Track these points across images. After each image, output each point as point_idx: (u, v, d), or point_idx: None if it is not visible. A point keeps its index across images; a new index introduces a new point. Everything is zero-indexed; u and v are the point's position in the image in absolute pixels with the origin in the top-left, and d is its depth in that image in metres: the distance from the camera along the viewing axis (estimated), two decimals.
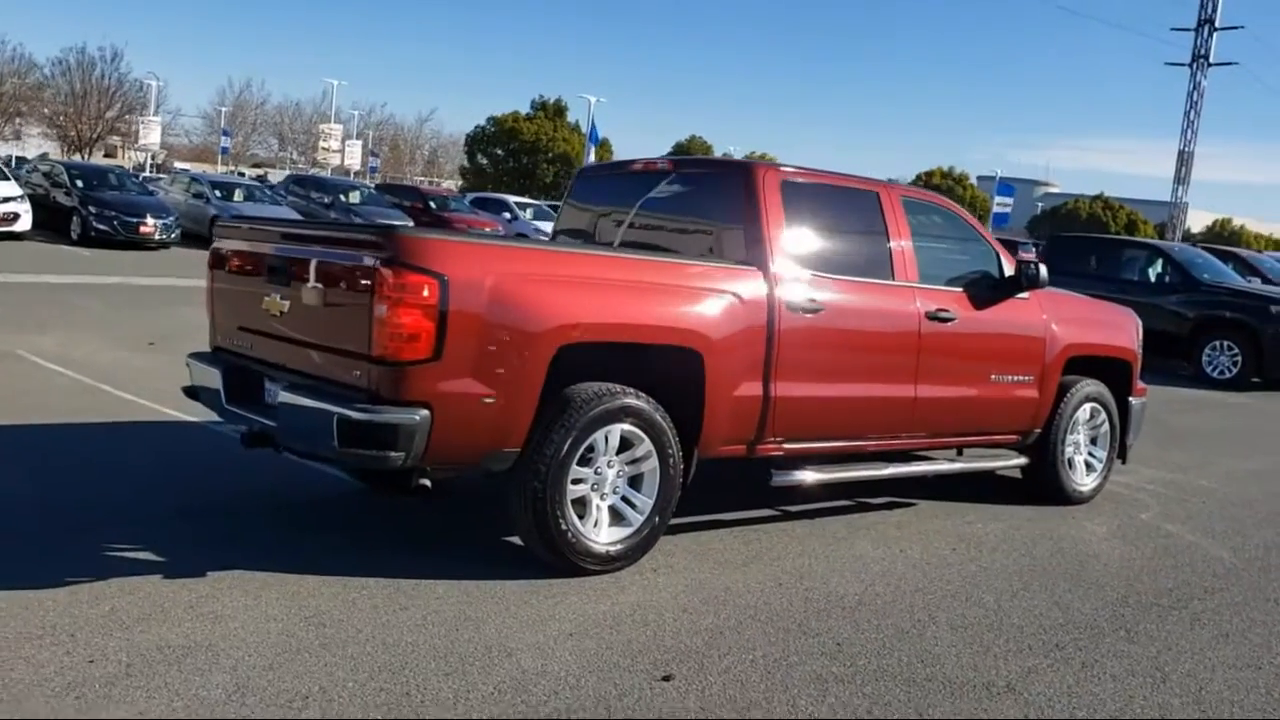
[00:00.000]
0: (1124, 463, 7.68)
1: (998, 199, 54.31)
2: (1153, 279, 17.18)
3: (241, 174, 52.11)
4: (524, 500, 4.75)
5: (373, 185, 33.60)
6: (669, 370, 5.15)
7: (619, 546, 5.00)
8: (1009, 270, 6.68)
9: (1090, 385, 7.20)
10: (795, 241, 5.60)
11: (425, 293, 4.34)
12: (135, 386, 8.59)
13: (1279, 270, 20.57)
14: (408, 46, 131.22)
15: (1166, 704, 4.10)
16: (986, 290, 6.53)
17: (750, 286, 5.36)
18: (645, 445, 5.02)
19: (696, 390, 5.19)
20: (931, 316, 6.14)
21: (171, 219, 22.53)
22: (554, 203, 36.71)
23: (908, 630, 4.64)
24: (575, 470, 4.83)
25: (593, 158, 42.93)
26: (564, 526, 4.80)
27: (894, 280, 6.07)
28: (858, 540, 5.97)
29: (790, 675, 4.07)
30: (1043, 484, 7.12)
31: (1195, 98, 66.45)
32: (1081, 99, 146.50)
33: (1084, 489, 7.29)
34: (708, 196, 5.98)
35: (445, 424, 4.43)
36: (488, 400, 4.54)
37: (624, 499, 5.06)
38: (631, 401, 4.92)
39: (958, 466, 6.79)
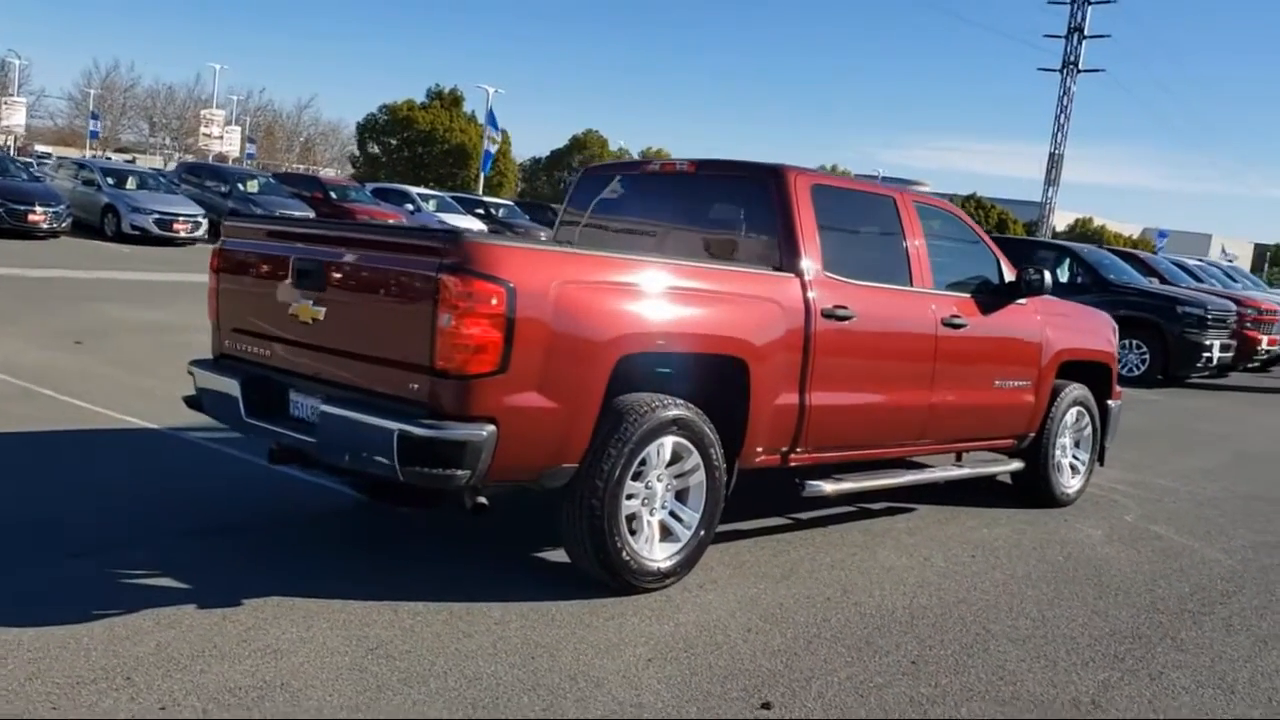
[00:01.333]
0: (1102, 465, 7.81)
1: None
2: (1064, 280, 17.68)
3: (118, 159, 49.75)
4: (580, 518, 4.54)
5: (269, 174, 32.42)
6: (715, 380, 5.01)
7: (669, 563, 4.83)
8: (1009, 275, 6.72)
9: (1077, 389, 7.30)
10: (826, 247, 5.50)
11: (494, 302, 4.10)
12: (77, 389, 8.06)
13: (1174, 271, 21.41)
14: (288, 30, 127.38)
15: (1247, 716, 4.13)
16: (991, 296, 6.55)
17: (789, 293, 5.25)
18: (694, 458, 4.86)
19: (740, 400, 5.05)
20: (946, 323, 6.13)
21: (63, 207, 21.33)
22: (459, 194, 36.14)
23: (971, 645, 4.58)
24: (629, 485, 4.64)
25: (491, 149, 42.44)
26: (620, 544, 4.61)
27: (912, 286, 6.04)
28: (879, 549, 5.91)
29: (884, 698, 3.97)
30: (1034, 487, 7.19)
31: (1065, 102, 69.17)
32: (953, 101, 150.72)
33: (1070, 491, 7.40)
34: (735, 200, 5.84)
35: (510, 440, 4.20)
36: (551, 414, 4.32)
37: (671, 513, 4.89)
38: (682, 413, 4.76)
39: (965, 472, 6.80)
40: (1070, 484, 7.41)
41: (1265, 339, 19.38)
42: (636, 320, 4.58)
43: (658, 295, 4.73)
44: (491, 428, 4.14)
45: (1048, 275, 6.62)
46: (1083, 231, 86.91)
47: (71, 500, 5.48)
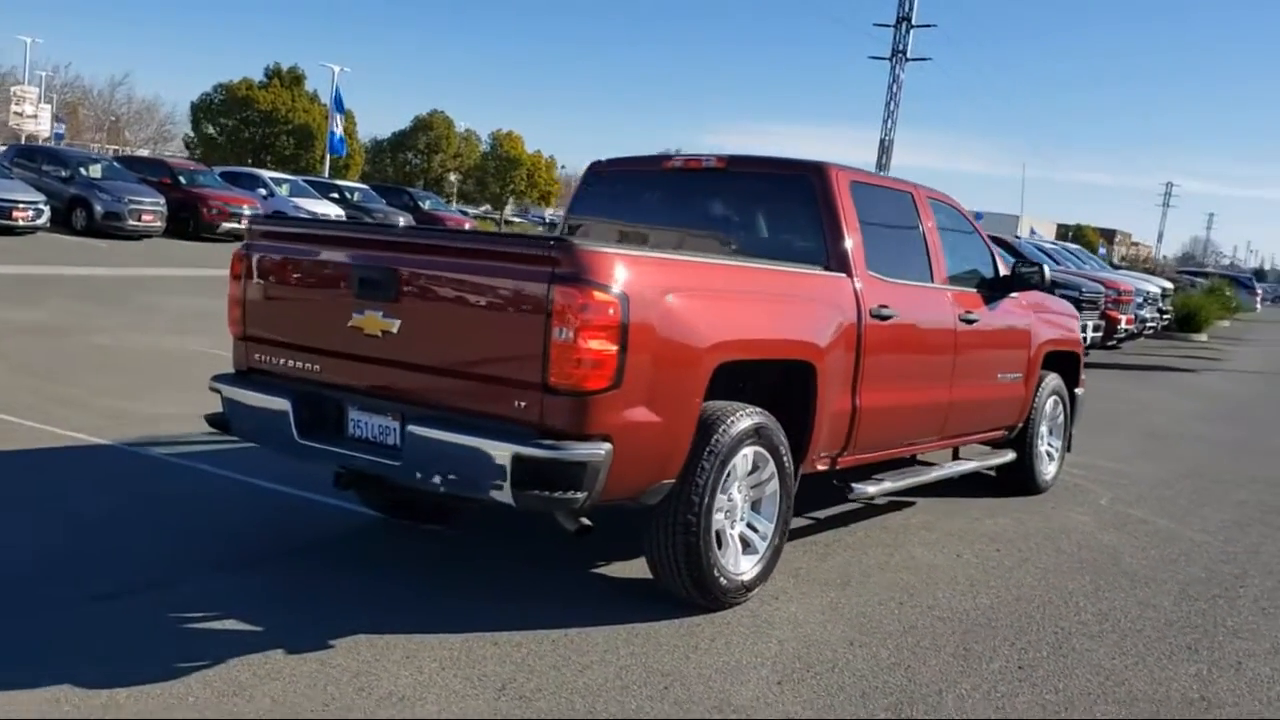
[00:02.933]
0: (1069, 452, 8.04)
1: None
2: None
3: None
4: (675, 535, 4.34)
5: (112, 158, 30.36)
6: (784, 385, 4.89)
7: (751, 576, 4.69)
8: (1002, 269, 6.82)
9: (1053, 378, 7.49)
10: (867, 246, 5.44)
11: (610, 313, 3.86)
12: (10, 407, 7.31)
13: (1036, 254, 22.38)
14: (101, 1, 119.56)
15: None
16: (991, 289, 6.62)
17: (845, 294, 5.17)
18: (770, 467, 4.72)
19: (806, 405, 4.94)
20: (962, 318, 6.17)
21: None
22: (312, 178, 34.74)
23: (1058, 645, 4.61)
24: (717, 498, 4.48)
25: (338, 129, 40.97)
26: (712, 560, 4.44)
27: (933, 282, 6.05)
28: (909, 547, 5.91)
29: (1017, 706, 3.94)
30: (1018, 476, 7.33)
31: (895, 90, 71.54)
32: (789, 87, 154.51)
33: (1048, 478, 7.60)
34: (773, 198, 5.69)
35: (622, 457, 3.97)
36: (658, 429, 4.12)
37: (748, 524, 4.75)
38: (763, 421, 4.62)
39: (972, 465, 6.86)
40: (1048, 471, 7.60)
41: (1124, 319, 20.53)
42: (730, 326, 4.42)
43: (744, 299, 4.58)
44: (608, 446, 3.90)
45: (1046, 269, 6.74)
46: None
47: (60, 532, 4.94)
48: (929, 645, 4.46)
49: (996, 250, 6.92)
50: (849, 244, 5.30)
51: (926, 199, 6.25)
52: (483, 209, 56.77)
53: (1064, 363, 7.68)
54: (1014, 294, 6.80)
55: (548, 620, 4.32)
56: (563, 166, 65.54)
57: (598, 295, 3.82)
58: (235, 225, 26.07)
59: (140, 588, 4.36)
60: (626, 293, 3.90)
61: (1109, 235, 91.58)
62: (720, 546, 4.54)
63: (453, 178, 59.15)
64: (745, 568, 4.66)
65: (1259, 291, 52.60)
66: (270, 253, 4.68)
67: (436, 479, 4.06)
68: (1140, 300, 22.29)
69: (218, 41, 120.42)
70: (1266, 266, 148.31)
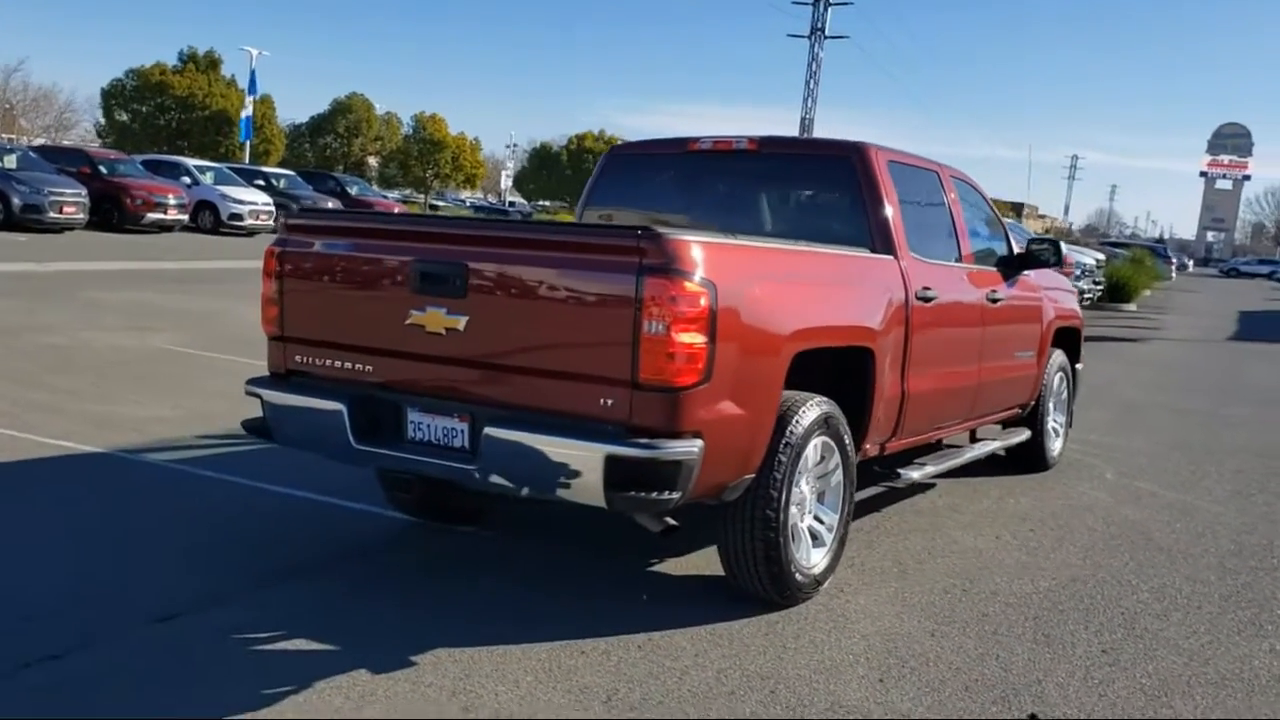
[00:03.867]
0: (1070, 427, 8.07)
1: None
2: None
3: None
4: (754, 532, 4.20)
5: (27, 147, 29.06)
6: (844, 372, 4.77)
7: (821, 569, 4.58)
8: (1015, 246, 6.79)
9: (1059, 355, 7.50)
10: (907, 227, 5.34)
11: (701, 304, 3.69)
12: None
13: None
14: None
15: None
16: (1008, 267, 6.57)
17: (894, 277, 5.07)
18: (835, 457, 4.61)
19: (863, 390, 4.83)
20: (989, 297, 6.12)
21: None
22: (236, 165, 33.76)
23: (1130, 626, 4.57)
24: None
25: (247, 113, 39.94)
26: (789, 556, 4.32)
27: (961, 262, 5.98)
28: (949, 531, 5.85)
29: (1119, 692, 3.88)
30: (1030, 454, 7.33)
31: (814, 68, 72.39)
32: (708, 66, 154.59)
33: (1055, 454, 7.62)
34: (812, 181, 5.56)
35: (712, 454, 3.81)
36: (743, 423, 3.97)
37: (815, 517, 4.63)
38: (830, 410, 4.50)
39: (997, 444, 6.83)
40: (1055, 448, 7.63)
41: None
42: (807, 313, 4.30)
43: (816, 285, 4.46)
44: (700, 443, 3.74)
45: (1063, 246, 6.71)
46: None
47: (83, 550, 4.63)
48: (1008, 633, 4.39)
49: (1008, 227, 6.87)
50: (893, 226, 5.19)
51: (950, 177, 6.18)
52: (405, 193, 55.77)
53: (1068, 339, 7.70)
54: (1028, 272, 6.76)
55: (623, 623, 4.16)
56: (511, 145, 64.69)
57: (688, 286, 3.65)
58: (161, 216, 25.25)
59: (191, 607, 4.09)
60: (714, 282, 3.74)
61: (1017, 208, 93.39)
62: (794, 541, 4.41)
63: (372, 161, 58.02)
64: (815, 561, 4.54)
65: (1173, 261, 54.12)
66: (309, 248, 4.41)
67: (517, 482, 3.86)
68: (1079, 272, 22.72)
69: (122, 26, 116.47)
70: (1166, 236, 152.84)
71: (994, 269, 6.39)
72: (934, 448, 6.37)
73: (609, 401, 3.73)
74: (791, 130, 66.32)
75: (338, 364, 4.33)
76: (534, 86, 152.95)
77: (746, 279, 3.95)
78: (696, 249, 3.71)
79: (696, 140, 5.72)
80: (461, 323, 3.97)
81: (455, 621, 4.10)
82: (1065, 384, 7.70)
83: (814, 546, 4.57)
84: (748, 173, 5.68)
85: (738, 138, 5.61)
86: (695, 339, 3.67)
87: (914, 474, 5.46)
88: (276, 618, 4.03)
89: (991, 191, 7.16)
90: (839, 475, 4.65)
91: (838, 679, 3.82)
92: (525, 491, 3.87)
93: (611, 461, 3.63)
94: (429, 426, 4.14)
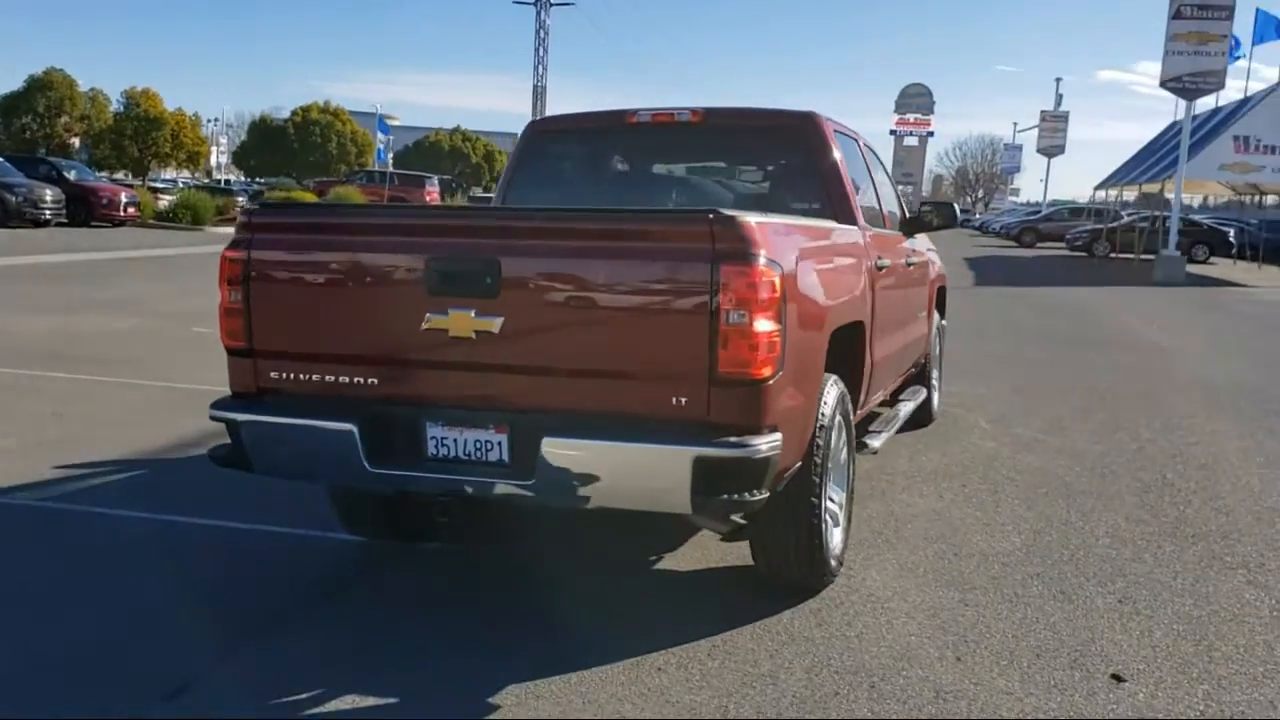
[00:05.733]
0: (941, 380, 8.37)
1: (379, 135, 55.03)
2: None
3: None
4: (798, 519, 4.05)
5: None
6: (839, 347, 4.68)
7: (840, 549, 4.51)
8: (906, 210, 6.92)
9: (935, 313, 7.75)
10: (855, 195, 5.31)
11: (775, 291, 3.48)
12: None
13: None
14: None
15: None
16: (908, 230, 6.69)
17: (862, 247, 5.02)
18: (843, 435, 4.53)
19: (856, 363, 4.77)
20: (906, 261, 6.21)
21: None
22: None
23: (1122, 573, 4.76)
24: None
25: None
26: (826, 541, 4.21)
27: (886, 228, 6.02)
28: (895, 494, 5.93)
29: (1156, 639, 4.02)
30: (922, 410, 7.51)
31: (543, 35, 72.39)
32: (432, 34, 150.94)
33: (937, 407, 7.88)
34: (763, 152, 5.40)
35: (784, 446, 3.63)
36: (801, 411, 3.81)
37: (828, 497, 4.53)
38: (843, 388, 4.40)
39: (914, 404, 6.94)
40: (937, 401, 7.89)
41: None
42: (835, 291, 4.19)
43: (836, 261, 4.34)
44: (780, 436, 3.55)
45: (956, 207, 6.89)
46: None
47: (29, 619, 3.92)
48: (1030, 595, 4.45)
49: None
50: (850, 195, 5.14)
51: (864, 144, 6.20)
52: (115, 176, 51.30)
53: (940, 297, 7.96)
54: (919, 233, 6.91)
55: (669, 632, 3.92)
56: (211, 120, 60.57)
57: (764, 271, 3.43)
58: None
59: (194, 676, 3.51)
60: (780, 264, 3.53)
61: None
62: (827, 524, 4.30)
63: (75, 142, 53.08)
64: (837, 542, 4.46)
65: None
66: (283, 249, 3.86)
67: (582, 496, 3.53)
68: None
69: None
70: None
71: (899, 232, 6.47)
72: (872, 415, 6.41)
73: (681, 399, 3.47)
74: (526, 98, 66.00)
75: (330, 378, 3.82)
76: (242, 56, 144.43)
77: (798, 259, 3.77)
78: (763, 230, 3.49)
79: (633, 113, 5.43)
80: (495, 324, 3.57)
81: (502, 652, 3.73)
82: (940, 340, 7.97)
83: (833, 527, 4.47)
84: (692, 146, 5.47)
85: (679, 109, 5.37)
86: (772, 326, 3.46)
87: (876, 443, 5.44)
88: (298, 672, 3.54)
89: None
90: (845, 453, 4.57)
91: (920, 663, 3.74)
92: (589, 505, 3.54)
93: (701, 464, 3.37)
94: (455, 441, 3.72)
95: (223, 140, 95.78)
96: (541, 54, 70.88)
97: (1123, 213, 41.86)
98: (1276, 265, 34.35)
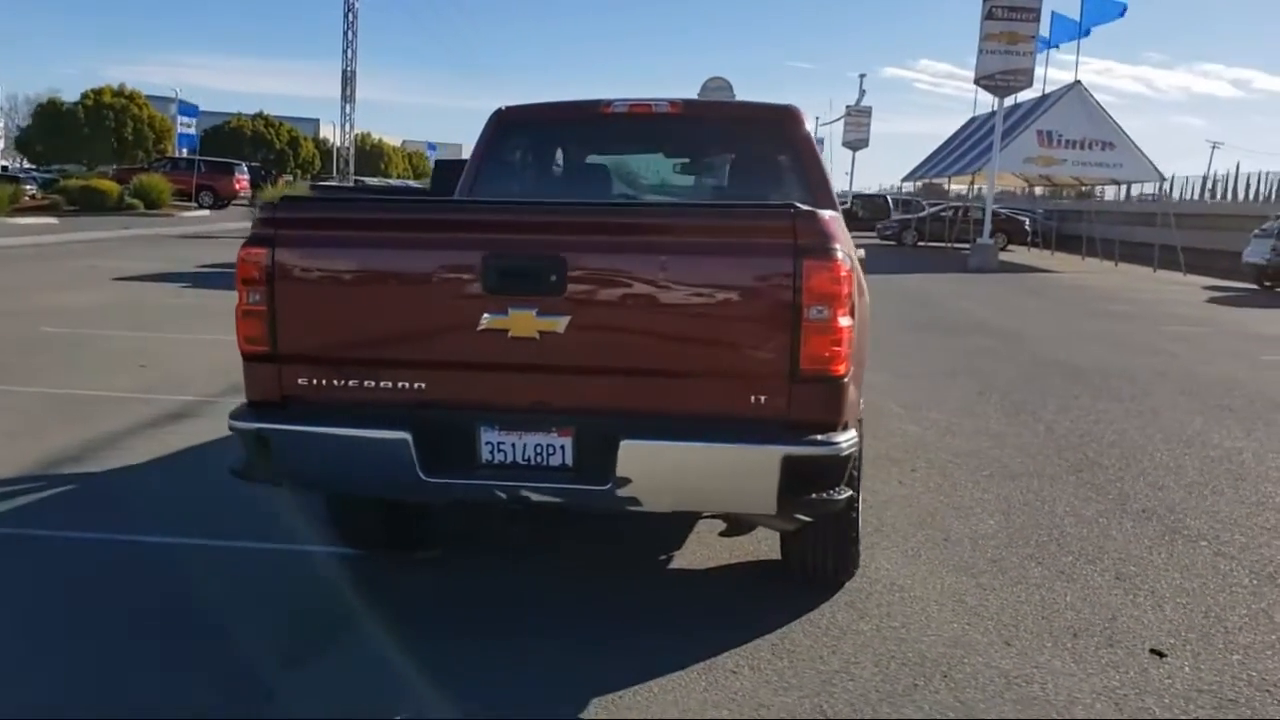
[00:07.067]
0: None
1: (182, 119, 52.47)
2: None
3: None
4: (843, 514, 4.04)
5: None
6: None
7: (858, 540, 4.53)
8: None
9: None
10: None
11: (851, 284, 3.48)
12: None
13: None
14: None
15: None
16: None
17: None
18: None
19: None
20: (861, 256, 6.30)
21: None
22: None
23: (1106, 550, 4.99)
24: None
25: None
26: (859, 534, 4.24)
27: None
28: (869, 482, 5.83)
29: (1172, 613, 4.23)
30: None
31: (351, 19, 70.47)
32: (240, 18, 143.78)
33: None
34: (743, 143, 5.35)
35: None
36: (856, 404, 3.81)
37: None
38: None
39: None
40: None
41: None
42: (861, 280, 4.19)
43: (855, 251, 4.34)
44: (854, 432, 3.54)
45: (890, 199, 7.05)
46: (363, 145, 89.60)
47: (32, 663, 3.52)
48: (1035, 576, 4.60)
49: None
50: (830, 188, 5.19)
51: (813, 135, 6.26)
52: None
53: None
54: None
55: (722, 634, 3.87)
56: None
57: (842, 265, 3.41)
58: None
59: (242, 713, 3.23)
60: (850, 258, 3.53)
61: None
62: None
63: None
64: (859, 532, 4.48)
65: None
66: (313, 246, 3.58)
67: (662, 499, 3.43)
68: None
69: None
70: None
71: None
72: None
73: (760, 398, 3.41)
74: (335, 81, 64.06)
75: (371, 384, 3.58)
76: (5, 34, 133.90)
77: (852, 251, 3.77)
78: (830, 223, 3.47)
79: (609, 103, 5.30)
80: (560, 324, 3.42)
81: (559, 662, 3.59)
82: None
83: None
84: (670, 138, 5.38)
85: (656, 100, 5.27)
86: (849, 322, 3.46)
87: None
88: (366, 697, 3.30)
89: None
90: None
91: (975, 650, 3.82)
92: (667, 508, 3.44)
93: (790, 463, 3.33)
94: (513, 445, 3.55)
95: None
96: (351, 37, 68.89)
97: (924, 203, 44.10)
98: (1065, 251, 36.88)
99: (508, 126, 5.41)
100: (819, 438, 3.39)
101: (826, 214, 3.44)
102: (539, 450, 3.54)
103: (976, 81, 26.75)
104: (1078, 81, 29.49)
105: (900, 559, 4.74)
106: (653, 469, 3.39)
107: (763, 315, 3.36)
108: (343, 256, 3.56)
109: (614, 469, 3.37)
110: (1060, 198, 45.03)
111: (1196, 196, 37.82)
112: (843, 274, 3.38)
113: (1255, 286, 22.91)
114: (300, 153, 79.02)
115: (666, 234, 3.46)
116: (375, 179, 62.15)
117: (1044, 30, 28.33)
